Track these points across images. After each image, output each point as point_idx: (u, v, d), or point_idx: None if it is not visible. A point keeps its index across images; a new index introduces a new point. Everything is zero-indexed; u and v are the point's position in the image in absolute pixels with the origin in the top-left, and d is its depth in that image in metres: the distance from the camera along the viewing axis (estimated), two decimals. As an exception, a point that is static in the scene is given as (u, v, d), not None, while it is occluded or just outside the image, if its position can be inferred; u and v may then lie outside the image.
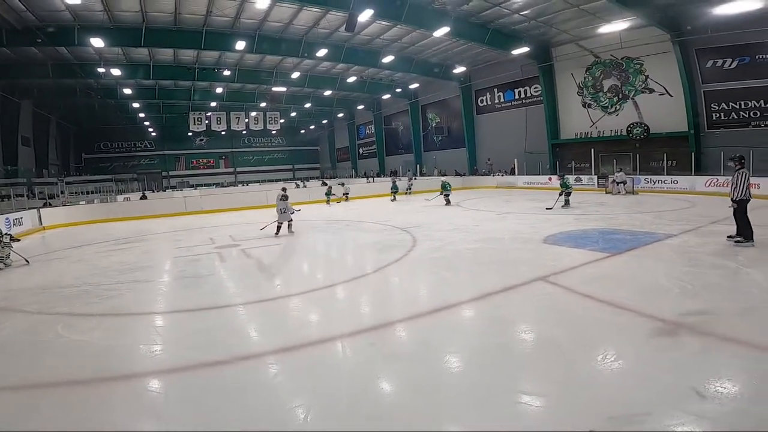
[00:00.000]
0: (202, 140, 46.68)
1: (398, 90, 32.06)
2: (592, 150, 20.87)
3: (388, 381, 3.12)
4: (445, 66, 26.20)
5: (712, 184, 15.21)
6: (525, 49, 19.97)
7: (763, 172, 14.23)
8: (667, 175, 17.34)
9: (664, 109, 18.75)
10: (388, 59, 23.20)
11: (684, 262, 5.90)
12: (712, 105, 17.33)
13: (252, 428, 2.53)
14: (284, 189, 10.75)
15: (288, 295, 5.38)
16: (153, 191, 35.13)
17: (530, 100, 24.86)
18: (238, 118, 34.71)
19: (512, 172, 24.59)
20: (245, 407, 2.75)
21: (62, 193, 25.50)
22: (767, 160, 14.63)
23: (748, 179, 6.58)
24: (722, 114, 17.14)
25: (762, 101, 16.09)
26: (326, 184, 22.85)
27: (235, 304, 5.06)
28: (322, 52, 21.17)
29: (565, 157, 22.54)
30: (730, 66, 16.66)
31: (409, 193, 21.43)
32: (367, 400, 2.80)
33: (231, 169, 49.31)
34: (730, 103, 16.87)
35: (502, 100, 26.84)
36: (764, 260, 5.76)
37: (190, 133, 42.38)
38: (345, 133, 46.73)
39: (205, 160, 48.75)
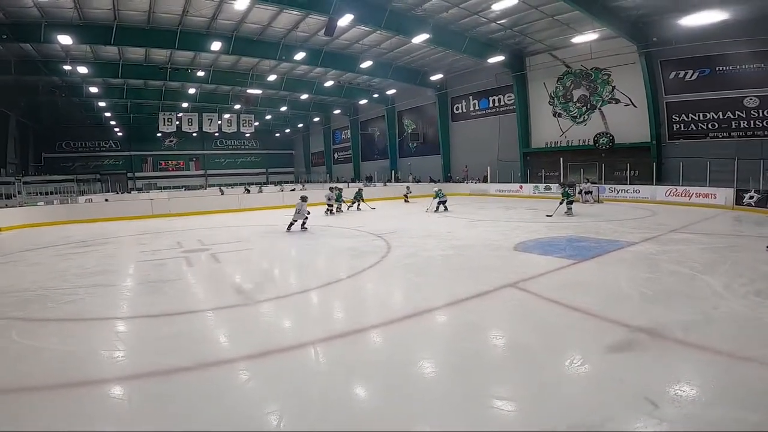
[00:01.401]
0: (171, 141, 45.29)
1: (375, 95, 32.26)
2: (561, 159, 21.56)
3: (362, 387, 3.11)
4: (423, 73, 26.57)
5: (672, 193, 16.03)
6: (500, 58, 20.53)
7: (719, 183, 15.11)
8: (630, 184, 18.09)
9: (628, 120, 19.47)
10: (366, 64, 23.33)
11: (644, 269, 6.18)
12: (673, 116, 18.04)
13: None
14: (304, 196, 11.99)
15: (259, 301, 5.27)
16: (117, 193, 33.74)
17: (504, 108, 25.44)
18: (211, 119, 33.94)
19: (485, 180, 25.11)
20: (214, 413, 2.67)
21: (19, 193, 24.11)
22: (723, 171, 15.47)
23: None
24: (682, 125, 17.86)
25: (720, 113, 16.79)
26: (290, 190, 22.02)
27: (203, 310, 4.93)
28: (300, 56, 21.06)
29: (536, 166, 23.17)
30: (691, 77, 17.33)
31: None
32: (340, 406, 2.78)
33: (202, 172, 48.04)
34: (690, 115, 17.57)
35: (476, 107, 27.37)
36: (717, 266, 6.10)
37: (159, 134, 41.08)
38: (320, 138, 46.50)
39: (174, 162, 47.24)
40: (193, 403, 2.81)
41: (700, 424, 2.43)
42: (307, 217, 11.37)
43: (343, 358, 3.56)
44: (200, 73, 25.53)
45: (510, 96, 24.57)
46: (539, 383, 2.99)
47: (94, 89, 27.59)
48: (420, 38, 18.08)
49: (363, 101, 33.67)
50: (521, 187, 22.31)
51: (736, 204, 13.70)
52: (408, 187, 22.73)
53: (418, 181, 29.59)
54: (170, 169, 46.76)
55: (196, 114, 33.60)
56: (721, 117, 16.80)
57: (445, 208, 15.42)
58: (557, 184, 14.94)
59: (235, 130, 35.40)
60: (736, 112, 16.26)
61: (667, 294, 4.96)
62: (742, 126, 16.18)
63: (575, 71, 21.37)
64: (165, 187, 40.17)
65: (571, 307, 4.54)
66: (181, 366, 3.38)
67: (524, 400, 2.79)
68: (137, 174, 44.75)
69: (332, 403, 2.82)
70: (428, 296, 5.26)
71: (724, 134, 16.72)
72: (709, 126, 17.15)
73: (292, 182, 47.43)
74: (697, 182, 15.67)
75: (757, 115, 15.76)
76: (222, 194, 27.16)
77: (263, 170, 51.08)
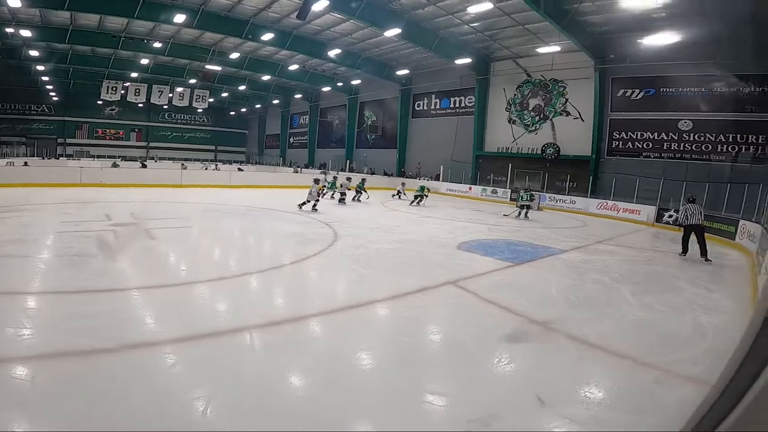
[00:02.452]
0: (113, 110, 41.70)
1: (339, 84, 31.78)
2: (510, 165, 22.46)
3: (298, 376, 3.08)
4: (389, 66, 26.51)
5: (603, 207, 17.34)
6: (467, 60, 20.97)
7: (645, 200, 16.50)
8: (568, 195, 19.30)
9: (575, 133, 20.49)
10: (334, 52, 22.91)
11: (571, 276, 6.66)
12: (614, 133, 19.16)
13: (138, 420, 2.33)
14: (316, 178, 13.07)
15: (194, 282, 5.03)
16: (43, 158, 30.55)
17: (463, 110, 25.93)
18: (161, 92, 31.81)
19: (437, 178, 25.68)
20: (134, 397, 2.52)
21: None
22: (650, 189, 16.77)
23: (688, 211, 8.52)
24: (621, 142, 19.03)
25: (656, 133, 17.78)
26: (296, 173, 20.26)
27: (130, 288, 4.60)
28: (267, 36, 20.27)
29: (486, 169, 24.02)
30: (637, 96, 18.32)
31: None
32: (274, 396, 2.74)
33: (143, 143, 44.73)
34: (629, 133, 18.71)
35: (438, 106, 27.74)
36: (633, 277, 6.73)
37: (100, 102, 37.64)
38: (277, 121, 45.07)
39: (113, 131, 43.53)
40: (110, 387, 2.62)
41: (606, 425, 2.66)
42: (318, 200, 12.39)
43: (279, 345, 3.50)
44: (157, 45, 23.71)
45: (471, 98, 25.10)
46: (469, 379, 3.13)
47: (34, 53, 24.91)
48: (392, 32, 18.03)
49: (326, 88, 32.99)
50: (470, 189, 23.07)
51: (656, 221, 15.10)
52: (403, 183, 20.59)
53: (373, 173, 29.64)
54: (108, 138, 43.04)
55: (146, 85, 31.32)
56: (656, 137, 17.92)
57: (417, 202, 16.29)
58: (522, 190, 15.72)
59: (187, 104, 33.47)
60: (670, 133, 17.47)
61: (588, 300, 5.39)
62: (672, 148, 17.46)
63: (535, 80, 22.12)
64: (99, 156, 37.00)
65: (504, 307, 4.79)
66: (99, 347, 3.13)
67: (454, 395, 2.90)
68: (69, 141, 40.73)
69: (265, 390, 2.77)
70: (371, 288, 5.32)
71: (656, 154, 17.93)
72: (644, 145, 18.33)
73: (242, 162, 45.60)
74: (626, 198, 16.95)
75: (687, 138, 17.01)
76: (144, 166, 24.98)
77: (212, 147, 48.61)
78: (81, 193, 13.08)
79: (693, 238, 8.56)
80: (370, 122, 33.15)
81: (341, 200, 15.08)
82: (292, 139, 43.97)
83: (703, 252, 8.36)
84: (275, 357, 3.28)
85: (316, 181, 12.67)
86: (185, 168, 25.30)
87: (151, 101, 32.55)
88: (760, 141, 15.20)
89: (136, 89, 31.11)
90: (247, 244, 7.90)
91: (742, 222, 11.54)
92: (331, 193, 15.90)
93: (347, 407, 2.67)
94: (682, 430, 0.82)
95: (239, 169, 28.86)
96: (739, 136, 15.70)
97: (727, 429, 0.71)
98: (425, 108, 28.56)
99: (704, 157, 16.60)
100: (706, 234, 8.70)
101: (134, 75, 30.79)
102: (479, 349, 3.68)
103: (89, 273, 5.03)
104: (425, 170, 27.45)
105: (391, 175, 28.40)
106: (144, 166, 25.85)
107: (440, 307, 4.83)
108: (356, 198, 16.48)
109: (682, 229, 8.82)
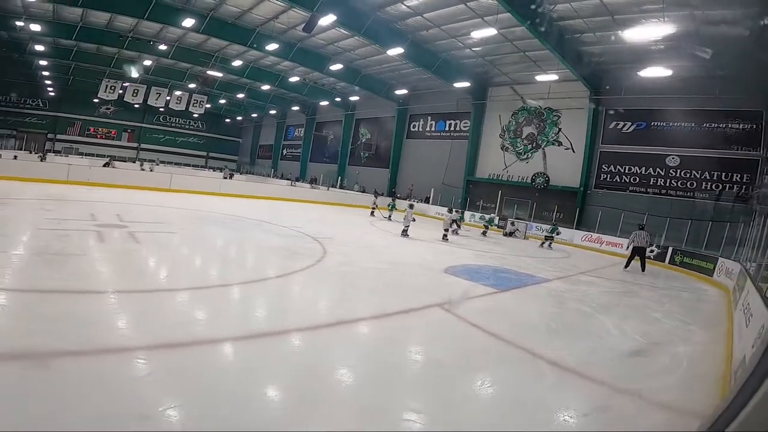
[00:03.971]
0: (108, 109, 41.44)
1: (338, 99, 32.16)
2: (500, 192, 22.65)
3: (274, 391, 3.01)
4: (389, 85, 26.92)
5: (587, 239, 17.60)
6: (466, 84, 21.42)
7: (628, 234, 16.61)
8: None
9: (565, 163, 20.72)
10: (336, 67, 23.28)
11: (553, 304, 6.72)
12: (603, 165, 19.42)
13: (105, 427, 2.23)
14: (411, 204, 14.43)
15: (174, 289, 4.92)
16: (30, 152, 29.91)
17: (458, 134, 26.21)
18: (159, 94, 31.85)
19: (427, 201, 25.83)
20: (99, 405, 2.42)
21: None
22: (635, 224, 16.91)
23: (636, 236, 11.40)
24: (609, 175, 19.29)
25: (643, 168, 18.04)
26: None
27: (106, 291, 4.47)
28: (272, 46, 20.53)
29: (476, 195, 24.26)
30: (628, 129, 18.50)
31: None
32: (250, 408, 2.66)
33: (135, 144, 44.34)
34: (617, 166, 18.96)
35: (433, 128, 28.03)
36: (612, 308, 6.82)
37: (96, 100, 37.46)
38: (272, 131, 45.22)
39: (105, 130, 43.13)
40: (72, 392, 2.52)
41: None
42: (409, 226, 12.77)
43: (257, 358, 3.43)
44: (162, 47, 23.81)
45: (466, 122, 25.38)
46: (448, 399, 3.10)
47: (39, 47, 24.96)
48: (395, 51, 18.38)
49: (324, 102, 33.36)
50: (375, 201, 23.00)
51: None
52: (391, 201, 20.21)
53: (363, 191, 29.71)
54: (99, 136, 42.59)
55: (145, 86, 31.34)
56: (643, 172, 18.17)
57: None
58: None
59: (184, 108, 33.49)
60: (657, 169, 17.77)
61: (568, 328, 5.44)
62: (658, 183, 17.76)
63: (530, 108, 22.42)
64: (88, 154, 36.49)
65: (488, 332, 4.79)
66: (64, 349, 3.02)
67: (433, 414, 2.88)
68: (60, 137, 40.22)
69: (241, 404, 2.69)
70: (357, 306, 5.28)
71: (642, 189, 18.19)
72: (631, 179, 18.59)
73: (234, 170, 45.38)
74: (610, 231, 17.20)
75: (674, 174, 17.32)
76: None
77: (204, 153, 48.40)
78: (65, 191, 12.83)
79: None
80: (364, 140, 33.43)
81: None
82: (285, 151, 44.05)
83: (643, 268, 11.54)
84: (251, 370, 3.20)
85: (411, 206, 13.74)
86: (151, 170, 24.04)
87: (148, 103, 32.51)
88: (744, 180, 15.61)
89: (134, 90, 31.10)
90: (233, 255, 7.80)
91: (721, 260, 11.83)
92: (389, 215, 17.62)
93: (322, 424, 2.61)
94: (699, 429, 0.95)
95: (230, 176, 28.47)
96: (723, 174, 16.13)
97: (736, 429, 0.82)
98: (420, 129, 28.89)
99: (689, 194, 16.99)
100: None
101: (135, 75, 30.78)
102: (460, 372, 3.65)
103: (66, 273, 4.89)
104: (416, 192, 27.60)
105: (382, 194, 28.44)
106: (108, 165, 24.05)
107: (424, 328, 4.81)
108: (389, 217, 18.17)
109: (631, 249, 11.56)
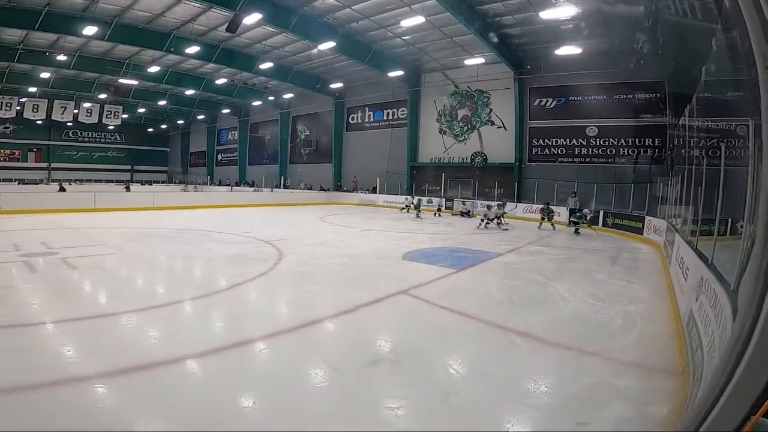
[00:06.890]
0: (6, 128, 36.56)
1: (271, 98, 31.00)
2: (443, 174, 23.37)
3: (248, 400, 2.91)
4: (323, 80, 26.41)
5: (528, 210, 18.72)
6: (400, 73, 21.58)
7: (563, 202, 18.03)
8: (497, 201, 20.51)
9: (499, 141, 21.85)
10: (266, 66, 22.38)
11: (510, 277, 7.09)
12: (533, 140, 20.71)
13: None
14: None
15: (122, 312, 4.51)
16: None
17: (397, 122, 26.50)
18: (65, 108, 28.56)
19: (374, 191, 25.96)
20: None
21: None
22: (567, 192, 18.08)
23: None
24: (539, 149, 20.62)
25: (567, 139, 19.38)
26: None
27: (47, 322, 4.08)
28: (192, 50, 19.20)
29: (421, 180, 24.78)
30: (550, 105, 19.97)
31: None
32: (223, 422, 2.55)
33: (44, 164, 39.77)
34: (546, 140, 20.32)
35: (371, 119, 28.08)
36: (562, 275, 7.33)
37: (-10, 120, 32.93)
38: (203, 137, 42.71)
39: (7, 152, 38.14)
40: (33, 421, 2.26)
41: (567, 412, 2.86)
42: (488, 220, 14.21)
43: (220, 373, 3.28)
44: (61, 57, 21.23)
45: (403, 110, 25.72)
46: (429, 381, 3.17)
47: None
48: (326, 45, 18.07)
49: (257, 102, 32.05)
50: (407, 199, 23.60)
51: (569, 222, 16.53)
52: (420, 200, 20.03)
53: (310, 189, 29.19)
54: (1, 159, 37.64)
55: (46, 100, 27.92)
56: (567, 143, 19.68)
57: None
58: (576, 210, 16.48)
59: (96, 121, 30.37)
60: (579, 139, 19.34)
61: (529, 299, 5.76)
62: (582, 153, 19.33)
63: (462, 92, 23.25)
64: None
65: (455, 311, 4.96)
66: (13, 386, 2.73)
67: (415, 399, 2.92)
68: (-47, 162, 35.01)
69: (205, 422, 2.56)
70: (323, 303, 5.20)
71: (569, 159, 19.68)
72: (559, 151, 20.06)
73: (164, 182, 42.52)
74: (549, 201, 18.41)
75: (594, 143, 18.96)
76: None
77: (128, 167, 44.63)
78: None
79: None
80: (303, 137, 32.69)
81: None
82: (220, 156, 41.93)
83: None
84: (215, 386, 3.05)
85: (489, 207, 15.20)
86: (63, 190, 22.04)
87: (53, 118, 29.10)
88: (656, 144, 17.39)
89: (34, 105, 27.74)
90: (181, 269, 7.33)
91: (648, 218, 13.06)
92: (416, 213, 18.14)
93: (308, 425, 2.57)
94: (681, 430, 1.05)
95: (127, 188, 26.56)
96: (638, 140, 17.85)
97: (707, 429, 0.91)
98: (359, 121, 28.80)
99: (609, 160, 18.58)
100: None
101: (32, 90, 27.47)
102: (438, 354, 3.74)
103: (-7, 315, 4.32)
104: (362, 183, 27.62)
105: (328, 190, 28.18)
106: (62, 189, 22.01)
107: (393, 317, 4.86)
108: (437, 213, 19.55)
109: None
